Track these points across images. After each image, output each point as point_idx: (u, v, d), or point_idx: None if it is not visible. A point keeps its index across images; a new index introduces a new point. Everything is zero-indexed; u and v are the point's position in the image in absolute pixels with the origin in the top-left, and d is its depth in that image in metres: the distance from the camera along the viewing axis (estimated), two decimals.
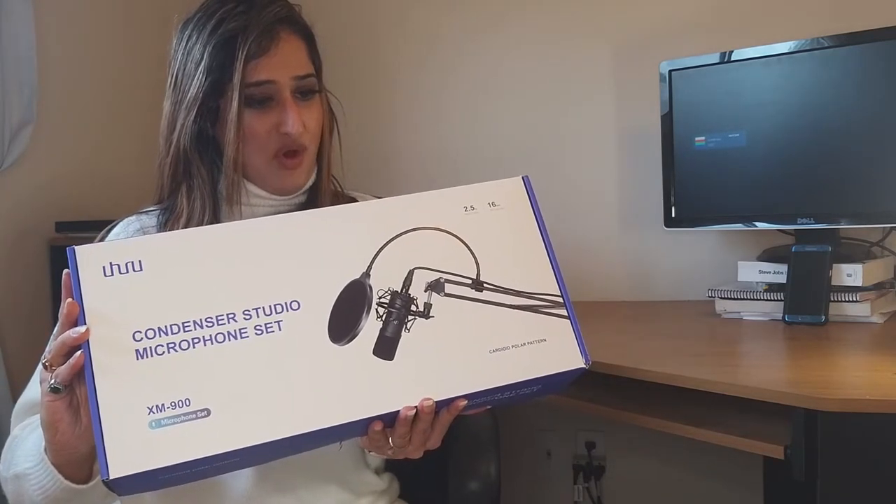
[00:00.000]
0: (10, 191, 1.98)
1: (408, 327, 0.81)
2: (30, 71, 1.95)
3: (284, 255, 0.81)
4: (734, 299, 1.55)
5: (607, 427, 1.89)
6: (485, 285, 0.84)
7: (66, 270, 0.78)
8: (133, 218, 1.06)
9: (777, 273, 1.51)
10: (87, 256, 0.78)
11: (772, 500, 1.64)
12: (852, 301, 1.42)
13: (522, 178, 0.89)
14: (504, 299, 0.84)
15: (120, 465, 0.71)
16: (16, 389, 1.84)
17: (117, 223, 1.06)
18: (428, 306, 0.82)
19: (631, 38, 1.87)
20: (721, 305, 1.57)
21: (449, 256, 0.84)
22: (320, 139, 1.03)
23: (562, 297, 0.85)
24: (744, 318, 1.54)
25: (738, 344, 1.41)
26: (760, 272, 1.54)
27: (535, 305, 0.84)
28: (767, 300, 1.51)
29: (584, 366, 0.83)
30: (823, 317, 1.40)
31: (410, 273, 0.82)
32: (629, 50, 1.87)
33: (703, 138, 1.62)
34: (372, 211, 0.87)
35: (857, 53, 1.45)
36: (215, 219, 1.00)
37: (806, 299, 1.43)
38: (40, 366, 0.99)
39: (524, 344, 0.82)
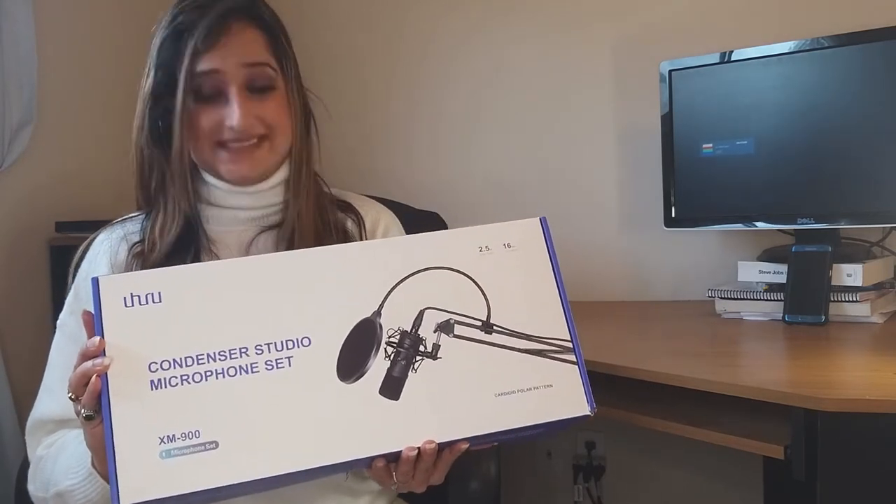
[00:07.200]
0: (10, 191, 1.98)
1: (415, 368, 0.81)
2: (30, 71, 1.95)
3: (299, 290, 0.82)
4: (734, 299, 1.55)
5: (607, 427, 1.89)
6: (494, 328, 0.84)
7: (84, 310, 0.81)
8: (117, 225, 1.05)
9: (777, 273, 1.51)
10: (110, 286, 0.80)
11: (772, 500, 1.63)
12: (852, 301, 1.42)
13: (539, 219, 0.90)
14: (513, 342, 0.84)
15: (131, 492, 0.73)
16: (15, 389, 1.83)
17: (101, 231, 1.05)
18: (436, 347, 0.82)
19: (631, 37, 1.87)
20: (721, 305, 1.57)
21: (461, 297, 0.85)
22: (292, 137, 1.00)
23: (571, 341, 0.85)
24: (744, 318, 1.54)
25: (738, 344, 1.41)
26: (760, 272, 1.54)
27: (544, 350, 0.84)
28: (767, 300, 1.51)
29: (588, 413, 0.83)
30: (823, 317, 1.40)
31: (421, 313, 0.83)
32: (629, 50, 1.87)
33: (710, 145, 1.61)
34: (387, 248, 0.88)
35: (857, 53, 1.45)
36: (191, 214, 0.98)
37: (806, 299, 1.43)
38: (45, 381, 1.00)
39: (530, 389, 0.83)
